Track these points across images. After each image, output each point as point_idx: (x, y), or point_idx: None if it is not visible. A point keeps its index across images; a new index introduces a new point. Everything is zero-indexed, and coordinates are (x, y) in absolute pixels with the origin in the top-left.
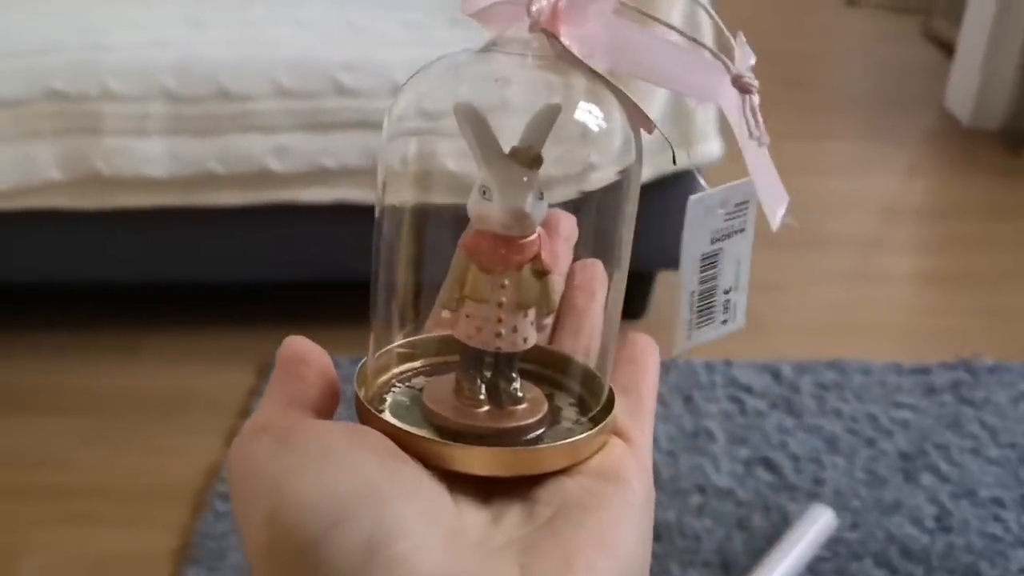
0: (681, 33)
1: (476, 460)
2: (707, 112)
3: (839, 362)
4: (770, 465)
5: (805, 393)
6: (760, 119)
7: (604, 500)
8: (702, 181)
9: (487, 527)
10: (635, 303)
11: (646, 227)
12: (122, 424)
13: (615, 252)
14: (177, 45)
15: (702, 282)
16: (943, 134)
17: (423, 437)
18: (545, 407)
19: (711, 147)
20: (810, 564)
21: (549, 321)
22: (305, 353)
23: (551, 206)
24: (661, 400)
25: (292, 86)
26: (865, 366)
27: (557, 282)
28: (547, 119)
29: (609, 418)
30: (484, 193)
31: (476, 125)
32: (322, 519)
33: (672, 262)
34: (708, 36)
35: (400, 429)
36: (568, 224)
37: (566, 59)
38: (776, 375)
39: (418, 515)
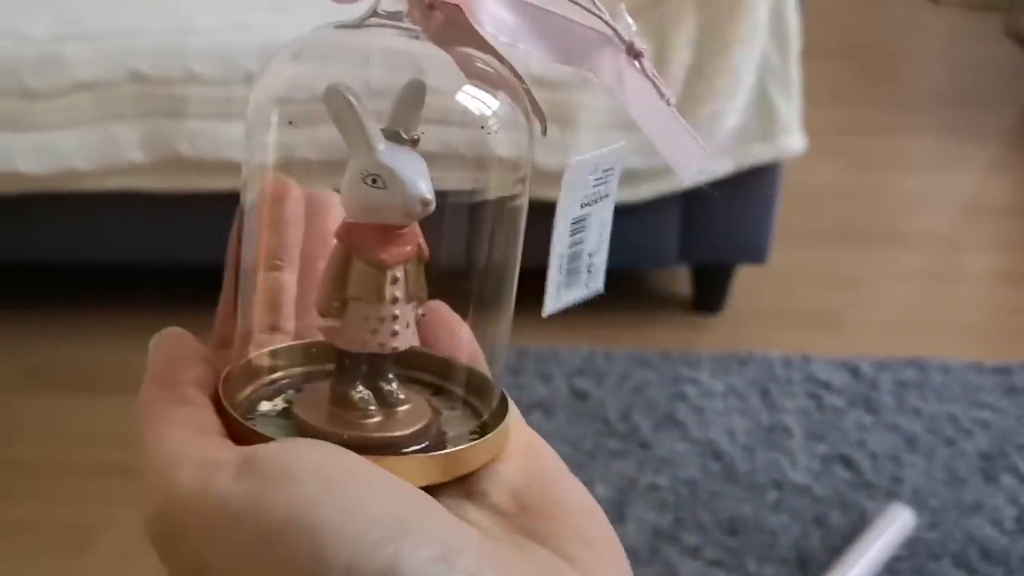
0: (582, 5)
1: (412, 470)
2: (790, 106)
3: (919, 360)
4: (848, 462)
5: (884, 391)
6: (659, 77)
7: (541, 472)
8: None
9: None
10: (713, 297)
11: (726, 221)
12: None
13: (509, 250)
14: (260, 29)
15: (571, 246)
16: None
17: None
18: (426, 406)
19: (794, 140)
20: (888, 563)
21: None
22: (182, 364)
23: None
24: (738, 394)
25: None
26: (945, 365)
27: None
28: (415, 97)
29: (512, 405)
30: (374, 182)
31: (351, 107)
32: (382, 544)
33: (754, 255)
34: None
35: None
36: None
37: (454, 34)
38: (855, 372)
39: (458, 524)
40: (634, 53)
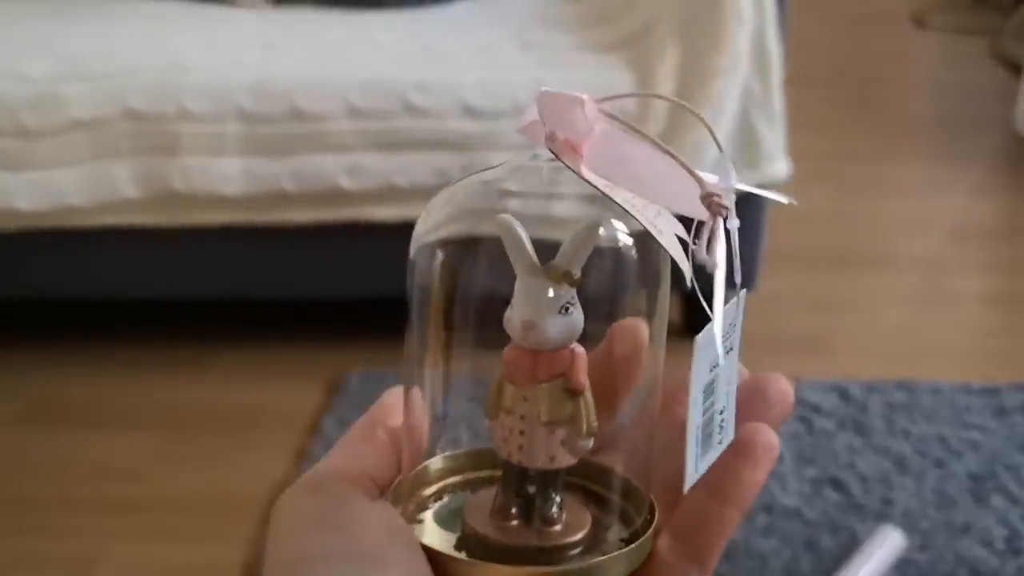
0: (663, 148)
1: None
2: (774, 134)
3: (908, 382)
4: (838, 485)
5: (874, 413)
6: (719, 244)
7: None
8: (711, 312)
9: None
10: (702, 323)
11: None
12: (194, 438)
13: (652, 325)
14: (253, 66)
15: (704, 412)
16: (1012, 155)
17: (437, 552)
18: (586, 529)
19: (778, 168)
20: None
21: (591, 443)
22: (391, 413)
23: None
24: None
25: (364, 106)
26: (934, 386)
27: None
28: (584, 239)
29: (618, 553)
30: (511, 305)
31: (510, 239)
32: (293, 567)
33: (742, 282)
34: (775, 63)
35: (427, 547)
36: (634, 338)
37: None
38: (844, 395)
39: None
40: (709, 204)
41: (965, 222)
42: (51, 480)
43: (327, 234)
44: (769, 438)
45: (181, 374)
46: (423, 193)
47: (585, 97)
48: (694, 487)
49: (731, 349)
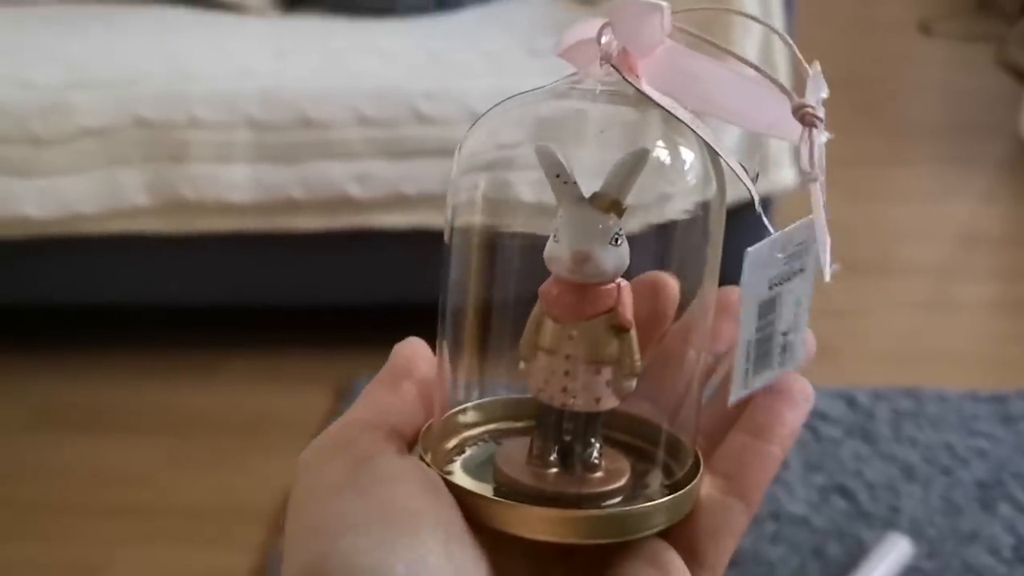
0: (745, 62)
1: (526, 521)
2: (781, 140)
3: (915, 390)
4: (845, 493)
5: (881, 421)
6: (816, 155)
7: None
8: (768, 223)
9: None
10: None
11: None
12: (202, 444)
13: (697, 290)
14: (262, 75)
15: (760, 329)
16: (1018, 161)
17: (476, 495)
18: (626, 478)
19: (784, 175)
20: None
21: (634, 384)
22: (413, 365)
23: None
24: None
25: (373, 114)
26: (941, 394)
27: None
28: (632, 164)
29: (665, 500)
30: (555, 236)
31: (551, 167)
32: (307, 540)
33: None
34: (783, 67)
35: (465, 493)
36: (667, 291)
37: (639, 95)
38: (851, 402)
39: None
40: (802, 117)
41: (972, 228)
42: (56, 485)
43: (335, 241)
44: (803, 384)
45: (188, 380)
46: (431, 201)
47: (664, 4)
48: (734, 430)
49: (802, 270)
